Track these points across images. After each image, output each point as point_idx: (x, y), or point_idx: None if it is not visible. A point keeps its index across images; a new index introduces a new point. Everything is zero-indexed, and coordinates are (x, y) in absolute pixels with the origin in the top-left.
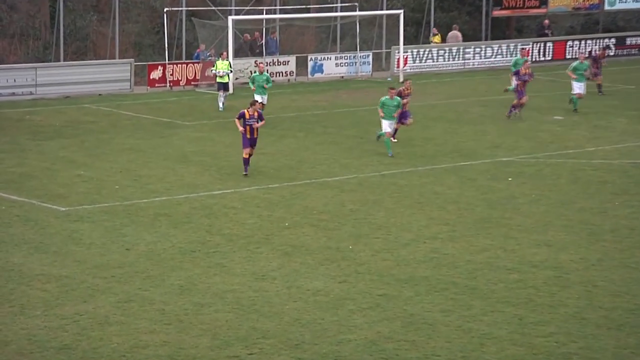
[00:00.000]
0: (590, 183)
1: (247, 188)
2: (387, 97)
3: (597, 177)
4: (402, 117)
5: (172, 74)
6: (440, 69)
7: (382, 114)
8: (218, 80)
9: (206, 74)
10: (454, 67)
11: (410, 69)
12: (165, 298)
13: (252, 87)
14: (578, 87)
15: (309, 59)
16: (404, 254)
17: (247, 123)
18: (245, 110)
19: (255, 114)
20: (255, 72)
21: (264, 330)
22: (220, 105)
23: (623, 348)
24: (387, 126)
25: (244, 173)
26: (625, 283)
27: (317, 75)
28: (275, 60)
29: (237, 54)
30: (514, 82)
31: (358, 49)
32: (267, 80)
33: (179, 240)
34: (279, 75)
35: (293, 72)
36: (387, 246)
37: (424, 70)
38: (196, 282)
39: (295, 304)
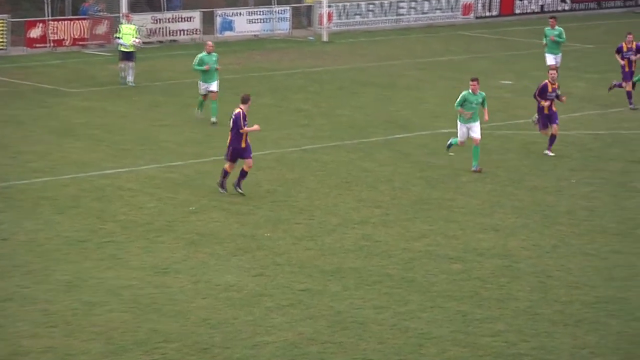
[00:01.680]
0: (543, 158)
1: (145, 166)
2: (469, 90)
3: (552, 151)
4: (550, 120)
5: (54, 33)
6: (371, 26)
7: (465, 114)
8: (121, 49)
9: (115, 40)
10: (386, 24)
11: (336, 27)
12: (49, 296)
13: (203, 68)
14: (552, 59)
15: (216, 14)
16: (329, 241)
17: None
18: (240, 110)
19: (237, 110)
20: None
21: (167, 333)
22: (129, 78)
23: (581, 347)
24: (460, 130)
25: (222, 188)
26: (583, 273)
27: (227, 33)
28: (177, 15)
29: (132, 9)
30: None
31: (274, 2)
32: (217, 61)
33: (65, 228)
34: (182, 34)
35: (198, 30)
36: (310, 233)
37: (351, 27)
38: (86, 277)
39: (204, 301)
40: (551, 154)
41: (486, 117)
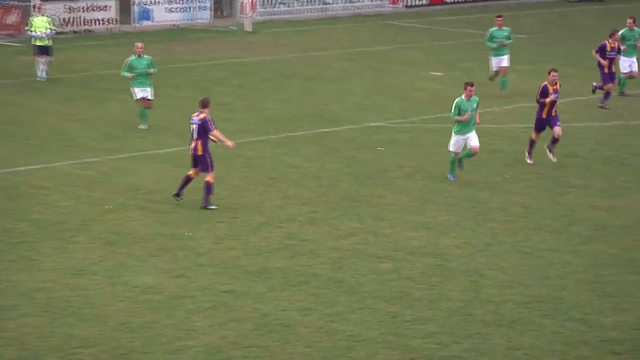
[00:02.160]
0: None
1: (59, 163)
2: (462, 97)
3: (485, 145)
4: (550, 123)
5: None
6: (296, 15)
7: (464, 118)
8: (36, 42)
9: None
10: (312, 13)
11: (260, 16)
12: None
13: (128, 75)
14: (498, 63)
15: (133, 3)
16: (254, 240)
17: (191, 129)
18: (205, 114)
19: (202, 116)
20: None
21: (83, 338)
22: (41, 74)
23: (515, 349)
24: (457, 142)
25: (178, 195)
26: (517, 271)
27: (145, 23)
28: (92, 4)
29: None
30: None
31: None
32: (151, 64)
33: None
34: (97, 24)
35: (115, 20)
36: (233, 232)
37: (275, 17)
38: None
39: (121, 304)
40: (554, 159)
41: (477, 120)
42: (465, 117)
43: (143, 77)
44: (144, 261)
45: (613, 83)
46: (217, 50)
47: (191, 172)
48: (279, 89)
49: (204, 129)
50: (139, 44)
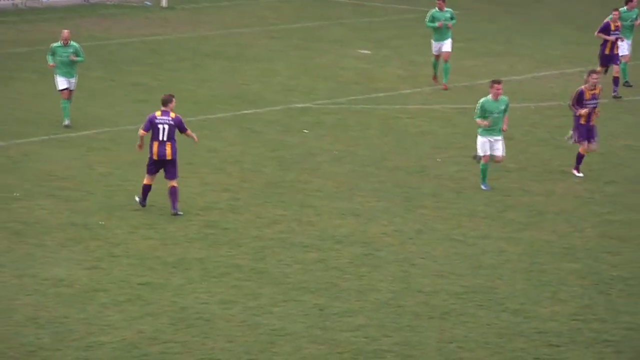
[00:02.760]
0: (406, 134)
1: None
2: (488, 96)
3: (415, 127)
4: (588, 135)
5: None
6: None
7: (484, 124)
8: None
9: None
10: None
11: None
12: None
13: (52, 63)
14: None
15: None
16: (171, 230)
17: (156, 129)
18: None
19: (172, 115)
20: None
21: None
22: None
23: (448, 342)
24: (483, 144)
25: (142, 203)
26: (449, 260)
27: None
28: None
29: None
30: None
31: None
32: (78, 52)
33: None
34: None
35: None
36: (149, 221)
37: None
38: None
39: (29, 298)
40: (579, 174)
41: (504, 126)
42: (487, 122)
43: (68, 66)
44: (54, 252)
45: (617, 65)
46: (131, 27)
47: (148, 179)
48: (197, 68)
49: (175, 130)
50: (65, 32)
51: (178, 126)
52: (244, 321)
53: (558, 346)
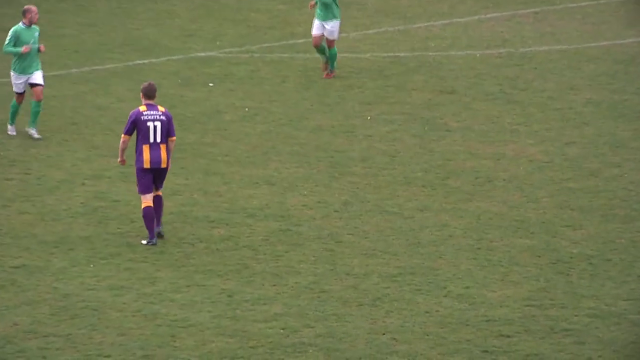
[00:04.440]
0: (329, 88)
1: None
2: None
3: (341, 80)
4: None
5: None
6: None
7: None
8: None
9: None
10: None
11: None
12: None
13: (22, 49)
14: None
15: None
16: (51, 203)
17: (145, 129)
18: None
19: (162, 109)
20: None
21: None
22: None
23: (380, 332)
24: None
25: (150, 241)
26: (382, 237)
27: None
28: None
29: None
30: None
31: None
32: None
33: None
34: None
35: None
36: (26, 192)
37: None
38: None
39: None
40: None
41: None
42: None
43: (32, 56)
44: None
45: None
46: None
47: (147, 201)
48: (80, 10)
49: (169, 127)
50: (34, 7)
51: (169, 124)
52: (139, 310)
53: (509, 336)
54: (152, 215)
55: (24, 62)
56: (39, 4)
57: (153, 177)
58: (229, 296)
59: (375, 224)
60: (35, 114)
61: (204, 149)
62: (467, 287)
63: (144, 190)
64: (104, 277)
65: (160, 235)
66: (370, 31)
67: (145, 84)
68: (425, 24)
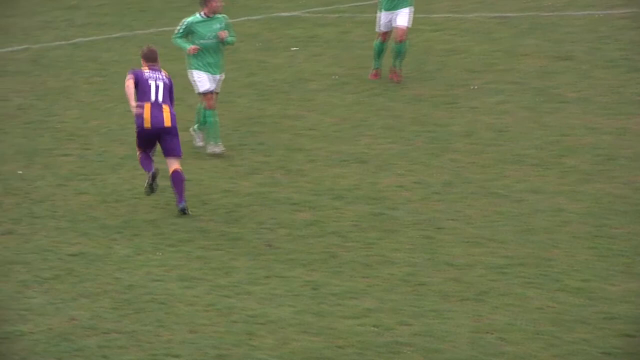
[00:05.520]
0: (429, 53)
1: None
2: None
3: (442, 43)
4: None
5: None
6: None
7: None
8: None
9: None
10: None
11: None
12: None
13: (190, 48)
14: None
15: None
16: (113, 182)
17: (146, 87)
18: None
19: (165, 73)
20: None
21: None
22: None
23: (485, 331)
24: None
25: (149, 173)
26: (487, 222)
27: None
28: None
29: None
30: None
31: None
32: (229, 29)
33: None
34: None
35: None
36: (85, 169)
37: None
38: None
39: None
40: None
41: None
42: None
43: (213, 53)
44: None
45: None
46: None
47: (141, 152)
48: None
49: (170, 92)
50: None
51: (172, 87)
52: (212, 304)
53: (633, 336)
54: (149, 159)
55: (203, 59)
56: None
57: (155, 140)
58: (314, 289)
59: (480, 208)
60: (213, 124)
61: (286, 122)
62: (585, 280)
63: (141, 145)
64: (173, 267)
65: (184, 212)
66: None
67: (145, 47)
68: None
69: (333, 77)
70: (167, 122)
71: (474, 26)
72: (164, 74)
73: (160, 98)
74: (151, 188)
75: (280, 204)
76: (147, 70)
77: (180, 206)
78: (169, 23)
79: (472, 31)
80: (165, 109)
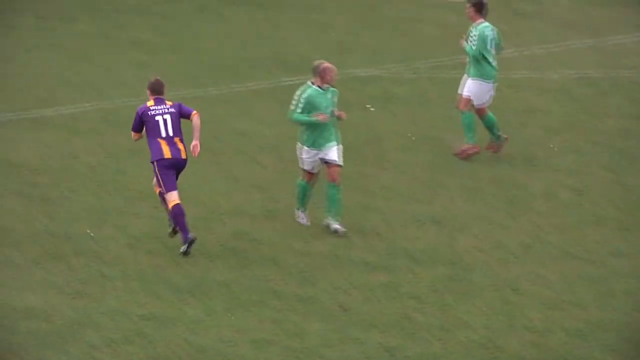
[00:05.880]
0: (508, 112)
1: None
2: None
3: (521, 103)
4: None
5: None
6: None
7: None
8: None
9: None
10: None
11: None
12: None
13: (311, 117)
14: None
15: None
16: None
17: (154, 124)
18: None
19: (168, 102)
20: None
21: None
22: None
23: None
24: None
25: (187, 239)
26: (567, 285)
27: None
28: None
29: None
30: None
31: None
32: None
33: None
34: None
35: None
36: (156, 230)
37: None
38: None
39: None
40: None
41: None
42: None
43: (329, 125)
44: (26, 272)
45: None
46: None
47: (173, 197)
48: (220, 20)
49: (179, 118)
50: (333, 68)
51: (181, 113)
52: None
53: None
54: (183, 212)
55: (321, 133)
56: (175, 12)
57: (173, 173)
58: (389, 352)
59: (559, 270)
60: (334, 201)
61: (361, 181)
62: None
63: (170, 187)
64: (245, 330)
65: (193, 242)
66: (551, 45)
67: (152, 79)
68: (617, 38)
69: (409, 136)
70: (184, 155)
71: (554, 85)
72: (168, 105)
73: (170, 132)
74: (185, 252)
75: (354, 265)
76: (153, 106)
77: (191, 236)
78: (243, 81)
79: (552, 90)
80: (178, 141)
